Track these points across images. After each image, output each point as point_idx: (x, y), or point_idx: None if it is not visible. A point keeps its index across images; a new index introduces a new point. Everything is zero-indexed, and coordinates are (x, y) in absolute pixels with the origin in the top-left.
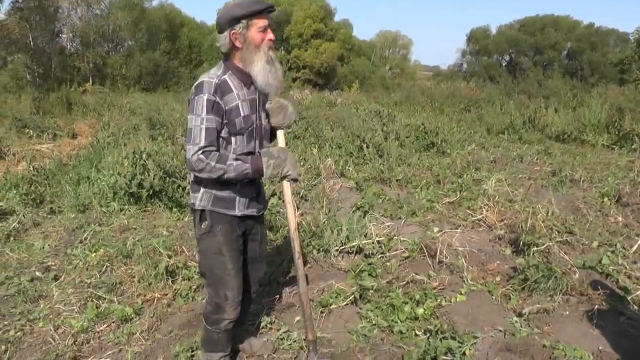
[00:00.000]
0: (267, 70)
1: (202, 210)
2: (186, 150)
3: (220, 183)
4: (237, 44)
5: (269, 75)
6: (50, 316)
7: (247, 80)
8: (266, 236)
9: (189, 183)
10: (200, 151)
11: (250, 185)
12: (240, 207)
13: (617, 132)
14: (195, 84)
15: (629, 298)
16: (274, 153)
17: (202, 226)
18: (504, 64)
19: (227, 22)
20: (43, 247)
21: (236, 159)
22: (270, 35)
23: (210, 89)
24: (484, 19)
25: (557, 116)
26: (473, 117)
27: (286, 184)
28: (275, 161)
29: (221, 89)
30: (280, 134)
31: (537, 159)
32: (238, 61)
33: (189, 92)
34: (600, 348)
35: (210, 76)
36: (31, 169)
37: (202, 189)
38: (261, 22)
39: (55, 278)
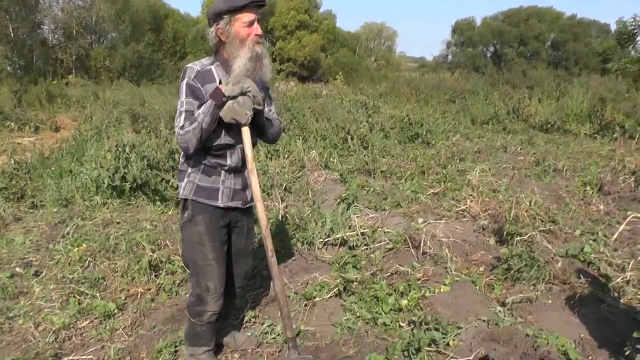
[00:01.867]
0: (247, 67)
1: (185, 200)
2: None
3: (204, 172)
4: (222, 38)
5: (247, 73)
6: (31, 313)
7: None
8: (253, 230)
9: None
10: (180, 129)
11: (235, 177)
12: (224, 199)
13: (599, 122)
14: (182, 70)
15: (609, 285)
16: (231, 77)
17: (185, 215)
18: (488, 55)
19: (213, 17)
20: (24, 243)
21: (199, 107)
22: (257, 30)
23: (191, 74)
24: (468, 11)
25: (540, 106)
26: (458, 108)
27: (246, 133)
28: (234, 79)
29: (202, 76)
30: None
31: (520, 149)
32: (226, 55)
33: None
34: (582, 335)
35: (196, 63)
36: (12, 162)
37: (185, 179)
38: (246, 17)
39: (37, 274)
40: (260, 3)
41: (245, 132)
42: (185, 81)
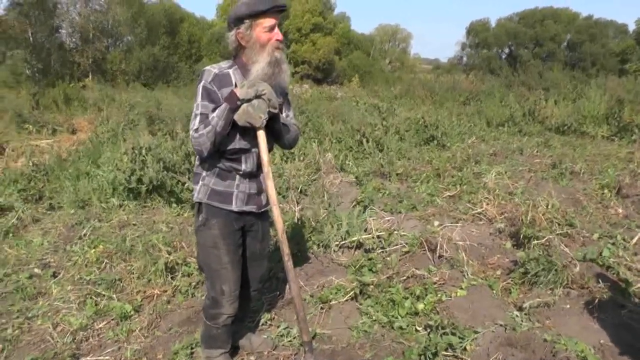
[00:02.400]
0: (265, 72)
1: (200, 203)
2: None
3: (218, 175)
4: (243, 43)
5: (265, 78)
6: (49, 314)
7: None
8: (269, 234)
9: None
10: (194, 132)
11: (250, 181)
12: (238, 203)
13: (616, 124)
14: (200, 72)
15: (629, 290)
16: (247, 80)
17: (199, 219)
18: (503, 57)
19: (233, 21)
20: (42, 244)
21: (212, 110)
22: (277, 35)
23: (209, 77)
24: (483, 12)
25: (557, 108)
26: (473, 110)
27: (261, 137)
28: (249, 82)
29: (219, 79)
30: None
31: (537, 152)
32: (245, 59)
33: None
34: (601, 341)
35: (214, 66)
36: (30, 164)
37: (200, 182)
38: (267, 22)
39: (54, 275)
40: (281, 8)
41: (261, 135)
42: (202, 84)
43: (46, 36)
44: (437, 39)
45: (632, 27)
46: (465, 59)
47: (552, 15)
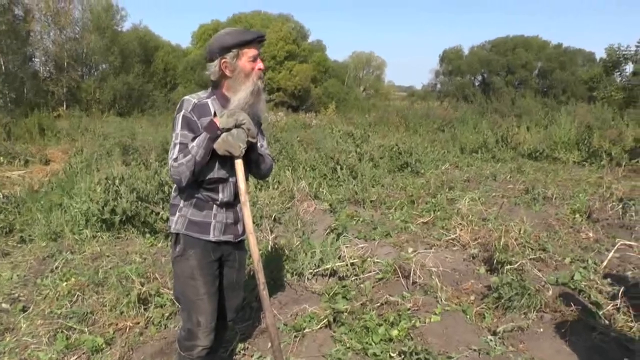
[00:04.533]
0: (247, 100)
1: (177, 234)
2: None
3: (195, 206)
4: (227, 72)
5: (246, 106)
6: (17, 350)
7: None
8: (245, 263)
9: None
10: (173, 161)
11: (227, 211)
12: (216, 233)
13: (586, 149)
14: (179, 102)
15: (600, 313)
16: (227, 109)
17: (176, 249)
18: (476, 84)
19: (218, 50)
20: (11, 278)
21: (192, 139)
22: (260, 64)
23: (189, 107)
24: (456, 40)
25: (529, 134)
26: (447, 137)
27: (239, 165)
28: (229, 112)
29: (199, 109)
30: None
31: (510, 177)
32: (226, 89)
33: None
34: None
35: (193, 96)
36: (1, 196)
37: (177, 213)
38: (251, 52)
39: (24, 309)
40: (263, 39)
41: (239, 164)
42: (182, 113)
43: (19, 65)
44: (411, 66)
45: (599, 55)
46: (439, 86)
47: (523, 43)
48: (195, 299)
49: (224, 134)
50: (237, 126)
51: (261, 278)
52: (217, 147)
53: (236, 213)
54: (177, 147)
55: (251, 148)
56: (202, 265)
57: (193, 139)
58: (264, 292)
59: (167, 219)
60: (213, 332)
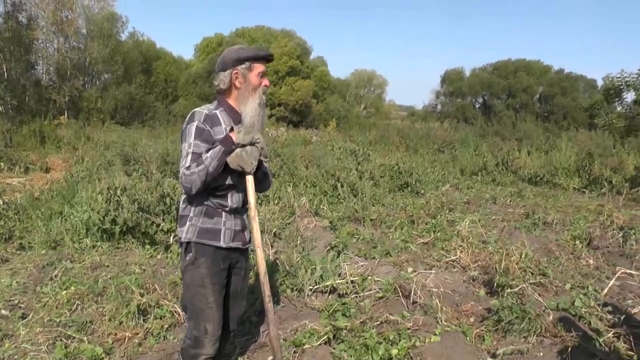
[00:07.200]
0: (257, 112)
1: (188, 243)
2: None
3: (206, 214)
4: (237, 83)
5: (257, 118)
6: (16, 357)
7: (236, 118)
8: (249, 272)
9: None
10: (185, 169)
11: (235, 218)
12: (226, 239)
13: (587, 176)
14: (188, 114)
15: (600, 340)
16: (242, 126)
17: (187, 258)
18: (477, 106)
19: (232, 61)
20: (10, 285)
21: (207, 150)
22: (266, 81)
23: (201, 117)
24: (457, 61)
25: (529, 159)
26: (447, 158)
27: (250, 181)
28: (245, 129)
29: (211, 119)
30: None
31: (510, 201)
32: (233, 100)
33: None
34: None
35: (202, 108)
36: (0, 202)
37: (187, 223)
38: (261, 68)
39: (23, 317)
40: (272, 59)
41: (249, 180)
42: (195, 123)
43: (22, 72)
44: (412, 86)
45: (600, 83)
46: (439, 106)
47: (524, 67)
48: (204, 306)
49: (238, 149)
50: (252, 144)
51: (267, 291)
52: (230, 161)
53: (243, 220)
54: (190, 156)
55: (260, 166)
56: (212, 273)
57: (207, 150)
58: (269, 305)
59: (167, 230)
60: (218, 342)
